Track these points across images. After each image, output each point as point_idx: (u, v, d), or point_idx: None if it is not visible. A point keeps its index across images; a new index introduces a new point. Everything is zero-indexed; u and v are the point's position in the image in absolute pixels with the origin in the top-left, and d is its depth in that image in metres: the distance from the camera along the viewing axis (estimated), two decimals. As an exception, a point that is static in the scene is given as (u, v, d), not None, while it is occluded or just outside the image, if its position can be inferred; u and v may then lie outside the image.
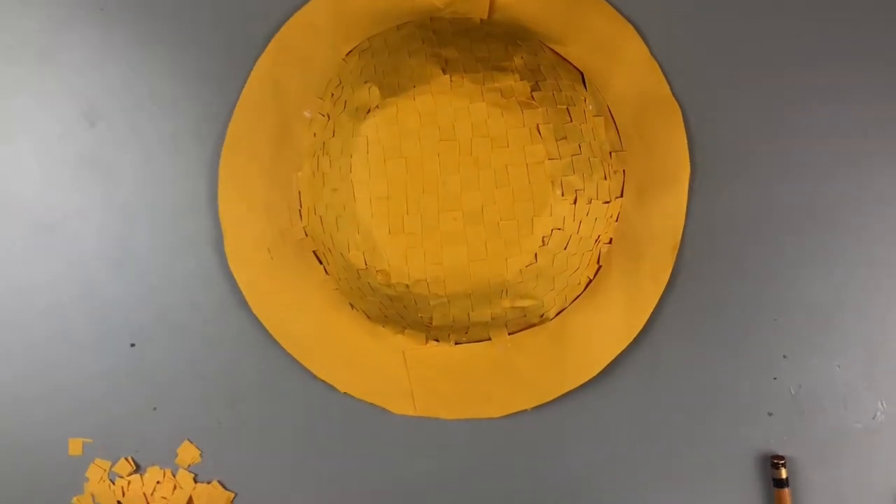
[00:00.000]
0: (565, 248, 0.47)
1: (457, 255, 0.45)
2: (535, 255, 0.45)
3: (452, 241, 0.45)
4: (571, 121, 0.47)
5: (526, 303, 0.47)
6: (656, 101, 0.51)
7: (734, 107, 0.51)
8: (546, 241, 0.45)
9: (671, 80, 0.51)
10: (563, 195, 0.45)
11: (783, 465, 0.51)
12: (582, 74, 0.50)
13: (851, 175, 0.51)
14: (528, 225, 0.45)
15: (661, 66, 0.51)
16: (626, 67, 0.50)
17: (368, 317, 0.52)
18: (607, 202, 0.49)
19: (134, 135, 0.53)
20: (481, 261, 0.45)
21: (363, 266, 0.46)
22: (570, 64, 0.50)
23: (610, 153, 0.50)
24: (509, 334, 0.51)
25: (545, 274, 0.46)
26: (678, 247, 0.51)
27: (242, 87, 0.52)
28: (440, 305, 0.47)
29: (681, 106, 0.51)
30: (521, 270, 0.45)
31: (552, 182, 0.45)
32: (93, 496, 0.54)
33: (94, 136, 0.53)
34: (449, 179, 0.45)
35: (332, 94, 0.50)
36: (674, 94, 0.51)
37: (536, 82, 0.47)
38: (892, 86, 0.51)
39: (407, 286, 0.46)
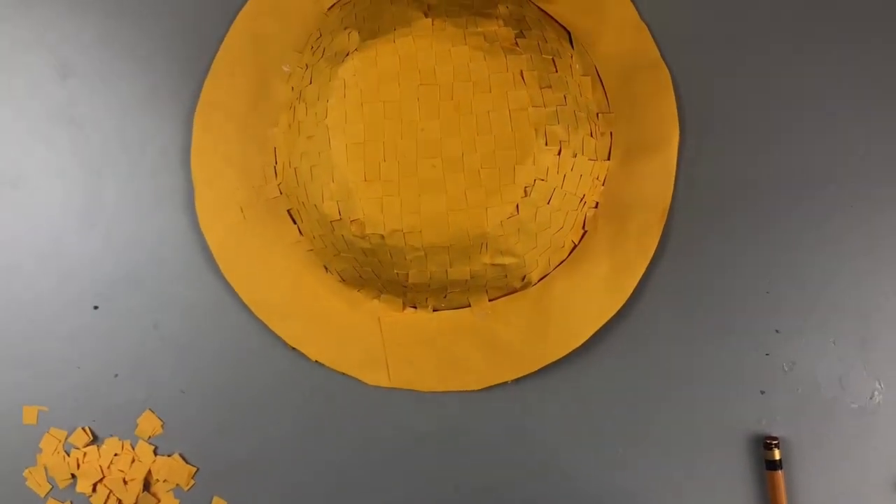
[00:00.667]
0: (548, 202, 0.45)
1: (435, 204, 0.43)
2: (517, 206, 0.43)
3: (431, 189, 0.43)
4: (557, 71, 0.46)
5: (507, 260, 0.45)
6: (645, 64, 0.49)
7: (725, 71, 0.50)
8: (528, 192, 0.43)
9: (660, 43, 0.50)
10: (546, 145, 0.44)
11: (776, 446, 0.49)
12: (569, 33, 0.49)
13: (845, 141, 0.50)
14: (509, 173, 0.43)
15: (650, 29, 0.50)
16: (614, 29, 0.49)
17: (343, 280, 0.49)
18: (593, 160, 0.47)
19: (107, 90, 0.52)
20: (461, 210, 0.43)
21: (337, 217, 0.44)
22: (557, 22, 0.49)
23: (597, 114, 0.48)
24: (490, 301, 0.49)
25: (527, 229, 0.44)
26: (666, 214, 0.49)
27: (220, 44, 0.51)
28: (417, 260, 0.44)
29: (670, 70, 0.50)
30: (501, 222, 0.43)
31: (536, 130, 0.43)
32: (46, 468, 0.51)
33: (65, 91, 0.52)
34: (428, 125, 0.44)
35: (312, 47, 0.48)
36: (663, 57, 0.50)
37: (521, 31, 0.45)
38: (886, 49, 0.50)
39: (382, 237, 0.44)
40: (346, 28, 0.46)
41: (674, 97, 0.49)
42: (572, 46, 0.49)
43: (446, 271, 0.45)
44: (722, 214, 0.50)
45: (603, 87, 0.49)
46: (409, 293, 0.48)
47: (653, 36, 0.50)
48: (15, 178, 0.52)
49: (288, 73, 0.49)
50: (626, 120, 0.49)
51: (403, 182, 0.43)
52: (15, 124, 0.52)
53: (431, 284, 0.46)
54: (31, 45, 0.52)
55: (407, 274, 0.45)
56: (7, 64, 0.52)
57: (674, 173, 0.49)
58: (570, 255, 0.49)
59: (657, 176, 0.49)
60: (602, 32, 0.49)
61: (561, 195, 0.45)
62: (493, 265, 0.45)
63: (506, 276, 0.47)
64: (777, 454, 0.49)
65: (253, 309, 0.50)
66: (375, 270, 0.46)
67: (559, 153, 0.44)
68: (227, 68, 0.50)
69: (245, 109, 0.50)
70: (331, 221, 0.45)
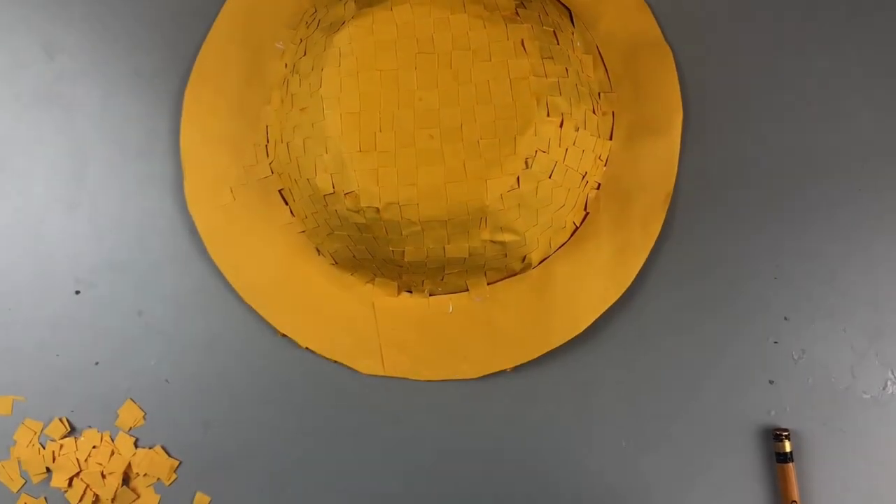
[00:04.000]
0: (550, 177, 0.43)
1: (432, 175, 0.42)
2: (518, 178, 0.42)
3: (428, 160, 0.42)
4: (558, 44, 0.44)
5: (507, 237, 0.43)
6: (647, 44, 0.48)
7: (729, 51, 0.49)
8: (529, 164, 0.42)
9: (663, 23, 0.49)
10: (548, 116, 0.42)
11: (787, 437, 0.47)
12: (570, 12, 0.48)
13: (853, 123, 0.48)
14: (510, 144, 0.42)
15: (651, 8, 0.49)
16: (615, 8, 0.48)
17: (336, 262, 0.47)
18: (595, 136, 0.45)
19: (95, 69, 0.50)
20: (459, 182, 0.42)
21: (330, 190, 0.43)
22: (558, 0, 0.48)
23: (598, 94, 0.47)
24: (488, 284, 0.47)
25: (528, 204, 0.43)
26: (670, 196, 0.48)
27: (211, 25, 0.49)
28: (413, 235, 0.43)
29: (673, 50, 0.49)
30: (501, 195, 0.42)
31: (537, 100, 0.42)
32: (19, 461, 0.48)
33: (52, 70, 0.50)
34: (426, 94, 0.42)
35: (307, 22, 0.47)
36: (666, 37, 0.49)
37: (521, 2, 0.44)
38: (890, 30, 0.49)
39: (377, 210, 0.42)
40: (341, -1, 0.45)
41: (677, 78, 0.48)
42: (573, 25, 0.48)
43: (444, 248, 0.43)
44: (727, 198, 0.48)
45: (605, 66, 0.48)
46: (404, 275, 0.46)
47: (655, 16, 0.49)
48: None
49: (282, 50, 0.48)
50: (629, 100, 0.48)
51: (400, 153, 0.42)
52: (1, 103, 0.50)
53: (428, 263, 0.44)
54: (17, 23, 0.50)
55: (403, 251, 0.44)
56: (-8, 41, 0.50)
57: (678, 155, 0.48)
58: (571, 236, 0.47)
59: (661, 158, 0.48)
60: (603, 11, 0.48)
61: (563, 170, 0.44)
62: (493, 242, 0.43)
63: (505, 256, 0.45)
64: (787, 446, 0.47)
65: (241, 294, 0.48)
66: (370, 249, 0.45)
67: (561, 125, 0.43)
68: (219, 46, 0.49)
69: (237, 88, 0.48)
70: (324, 196, 0.43)
